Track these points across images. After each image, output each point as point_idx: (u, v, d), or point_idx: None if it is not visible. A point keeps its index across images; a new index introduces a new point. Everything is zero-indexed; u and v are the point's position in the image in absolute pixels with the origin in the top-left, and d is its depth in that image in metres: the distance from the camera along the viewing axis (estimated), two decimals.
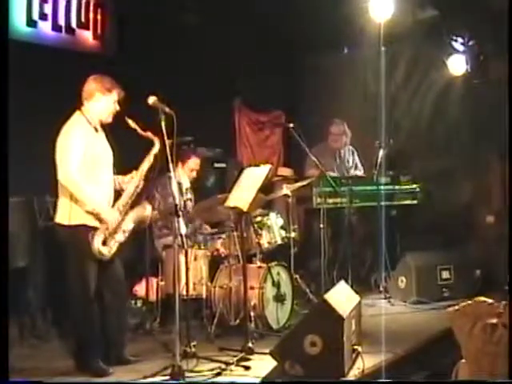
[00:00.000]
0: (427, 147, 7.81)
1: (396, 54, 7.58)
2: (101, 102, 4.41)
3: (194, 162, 6.11)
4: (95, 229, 4.30)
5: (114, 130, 4.58)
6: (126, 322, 4.83)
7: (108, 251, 4.32)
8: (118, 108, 4.47)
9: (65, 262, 4.40)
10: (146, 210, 4.54)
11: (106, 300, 4.44)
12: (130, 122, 4.42)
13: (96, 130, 4.44)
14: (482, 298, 3.17)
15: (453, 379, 3.25)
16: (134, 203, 4.52)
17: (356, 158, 7.36)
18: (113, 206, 4.43)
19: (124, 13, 6.56)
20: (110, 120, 4.49)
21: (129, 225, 4.43)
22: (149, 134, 4.42)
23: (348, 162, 7.29)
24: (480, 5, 6.92)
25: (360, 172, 7.31)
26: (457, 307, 3.16)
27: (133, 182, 4.49)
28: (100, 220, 4.31)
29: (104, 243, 4.31)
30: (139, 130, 4.42)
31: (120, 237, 4.38)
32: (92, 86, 4.42)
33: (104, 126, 4.52)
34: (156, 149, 4.46)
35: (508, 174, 6.70)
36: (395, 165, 7.16)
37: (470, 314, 3.06)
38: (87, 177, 4.28)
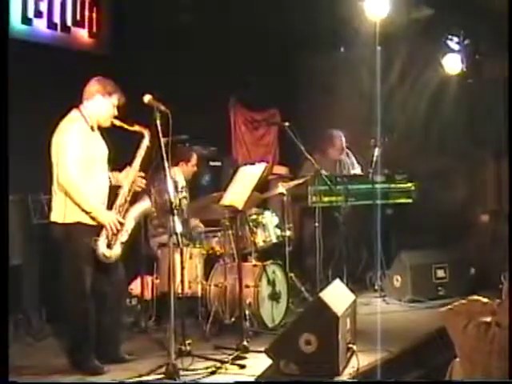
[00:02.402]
0: (422, 146, 7.82)
1: (391, 53, 7.58)
2: (100, 103, 4.42)
3: (195, 158, 6.21)
4: (92, 227, 4.30)
5: (110, 130, 4.59)
6: (121, 320, 4.82)
7: (113, 254, 4.34)
8: (116, 113, 4.48)
9: (60, 261, 4.40)
10: (147, 204, 4.54)
11: (102, 298, 4.44)
12: (116, 121, 4.45)
13: (92, 129, 4.45)
14: (476, 297, 3.18)
15: (447, 378, 3.25)
16: (134, 200, 4.52)
17: (352, 157, 7.36)
18: (111, 207, 4.43)
19: (120, 11, 6.55)
20: (107, 124, 4.49)
21: (130, 223, 4.44)
22: (136, 128, 4.43)
23: (347, 166, 7.30)
24: (475, 4, 6.93)
25: (357, 170, 7.31)
26: (450, 306, 3.17)
27: (127, 178, 4.49)
28: (98, 222, 4.32)
29: (108, 246, 4.32)
30: (126, 126, 4.44)
31: (124, 237, 4.39)
32: (94, 87, 4.44)
33: (100, 127, 4.52)
34: (146, 141, 4.46)
35: (508, 173, 6.69)
36: (390, 163, 7.17)
37: (463, 312, 3.06)
38: (83, 176, 4.28)
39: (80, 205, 4.26)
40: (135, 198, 4.54)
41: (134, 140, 4.51)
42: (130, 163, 4.52)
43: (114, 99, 4.45)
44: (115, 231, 4.32)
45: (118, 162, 4.63)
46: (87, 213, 4.28)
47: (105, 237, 4.31)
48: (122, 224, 4.36)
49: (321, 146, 7.12)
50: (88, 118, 4.41)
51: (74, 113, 4.41)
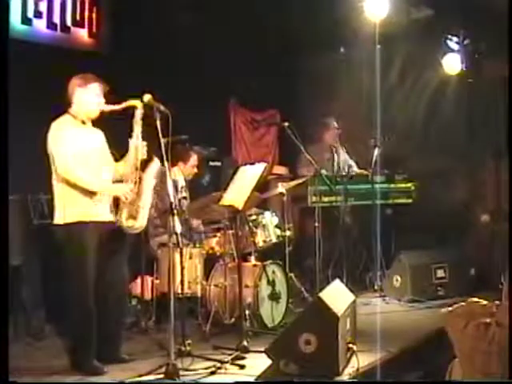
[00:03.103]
0: (422, 146, 7.83)
1: (391, 53, 7.59)
2: (81, 95, 4.45)
3: (194, 159, 6.19)
4: (93, 224, 4.32)
5: (108, 127, 4.60)
6: (122, 320, 4.82)
7: (137, 224, 4.38)
8: (102, 101, 4.47)
9: (61, 260, 4.39)
10: (156, 165, 4.51)
11: (104, 298, 4.44)
12: (104, 108, 4.45)
13: (83, 123, 4.48)
14: (475, 299, 3.18)
15: (447, 378, 3.26)
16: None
17: (346, 155, 7.39)
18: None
19: (119, 11, 6.55)
20: (96, 113, 4.49)
21: (150, 183, 4.46)
22: (128, 102, 4.42)
23: (340, 153, 7.31)
24: (475, 4, 6.93)
25: (354, 168, 7.32)
26: (450, 308, 3.18)
27: (131, 148, 4.47)
28: (112, 196, 4.39)
29: (131, 217, 4.36)
30: (116, 107, 4.43)
31: (145, 202, 4.40)
32: (72, 83, 4.49)
33: (94, 122, 4.53)
34: (140, 110, 4.41)
35: (508, 173, 6.70)
36: (390, 163, 7.18)
37: (463, 314, 3.07)
38: (82, 166, 4.32)
39: (85, 187, 4.29)
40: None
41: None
42: (130, 135, 4.49)
43: (95, 88, 4.46)
44: (129, 199, 4.34)
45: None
46: (95, 194, 4.32)
47: (125, 209, 4.35)
48: (139, 189, 4.37)
49: (317, 135, 7.16)
50: (76, 113, 4.45)
51: (65, 115, 4.46)
